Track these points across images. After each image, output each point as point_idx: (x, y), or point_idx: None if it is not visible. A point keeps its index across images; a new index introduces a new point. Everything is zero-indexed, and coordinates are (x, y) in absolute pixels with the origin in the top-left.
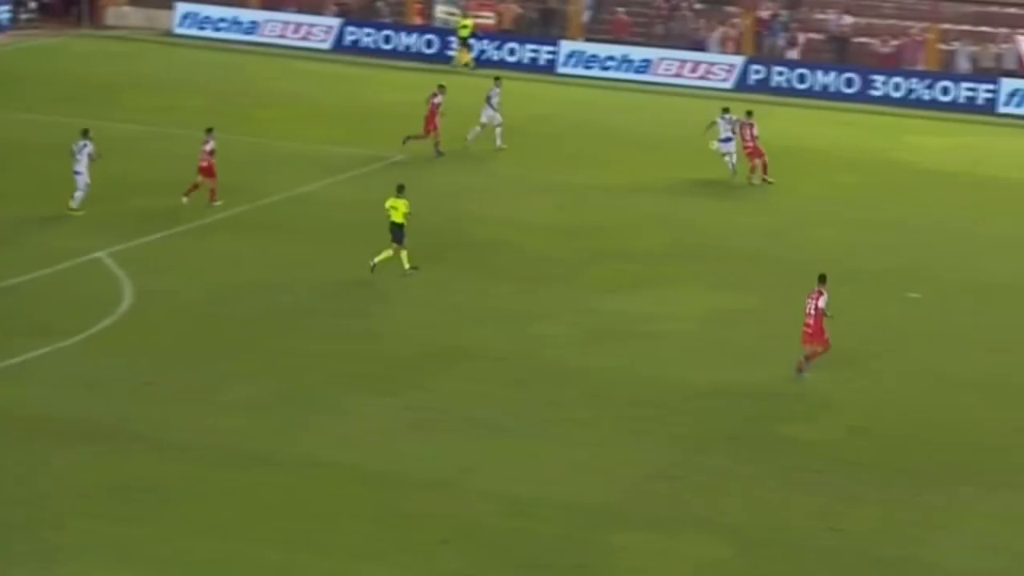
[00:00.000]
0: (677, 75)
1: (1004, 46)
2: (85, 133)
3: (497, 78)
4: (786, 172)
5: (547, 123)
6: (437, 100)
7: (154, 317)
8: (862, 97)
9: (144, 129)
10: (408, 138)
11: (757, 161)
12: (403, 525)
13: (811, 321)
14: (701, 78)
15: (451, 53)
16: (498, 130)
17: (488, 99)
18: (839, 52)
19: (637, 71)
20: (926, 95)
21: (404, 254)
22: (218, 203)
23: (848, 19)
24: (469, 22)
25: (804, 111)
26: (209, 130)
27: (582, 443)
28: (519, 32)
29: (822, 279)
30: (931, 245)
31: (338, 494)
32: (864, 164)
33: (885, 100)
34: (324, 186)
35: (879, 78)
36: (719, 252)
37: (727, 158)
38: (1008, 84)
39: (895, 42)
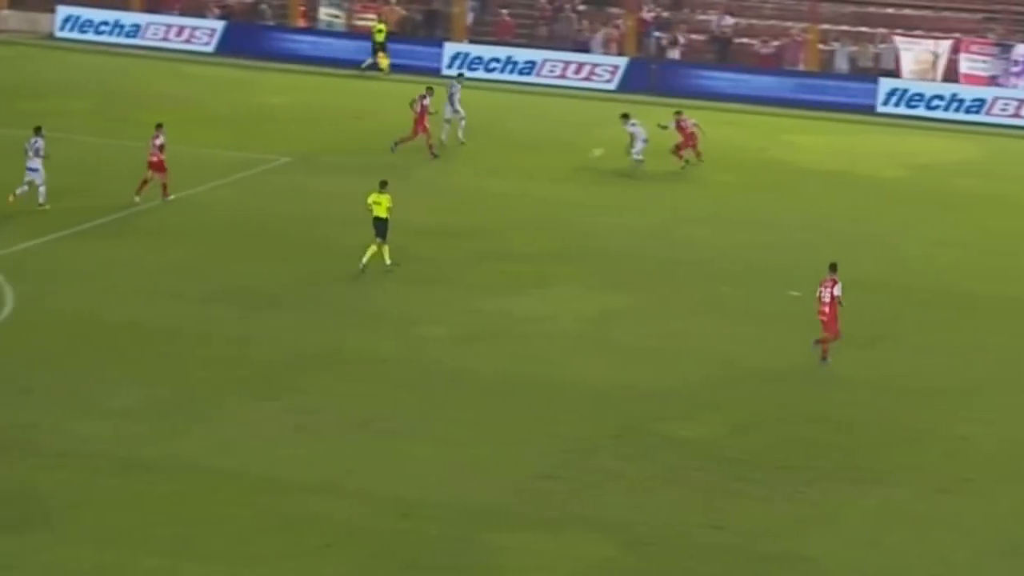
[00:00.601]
0: (561, 76)
1: (882, 46)
2: (38, 131)
3: (460, 75)
4: (665, 172)
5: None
6: (426, 102)
7: (34, 323)
8: (743, 97)
9: (28, 134)
10: (397, 142)
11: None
12: (286, 530)
13: (826, 309)
14: (585, 79)
15: (365, 58)
16: (462, 123)
17: (450, 96)
18: (721, 53)
19: (521, 73)
20: (806, 95)
21: (386, 249)
22: (171, 198)
23: (729, 20)
24: (383, 26)
25: (686, 111)
26: (159, 125)
27: (466, 444)
28: (403, 34)
29: (833, 267)
30: (810, 244)
31: (220, 500)
32: (744, 163)
33: (766, 100)
34: (209, 189)
35: (760, 78)
36: (601, 252)
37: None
38: (886, 84)
39: (776, 43)
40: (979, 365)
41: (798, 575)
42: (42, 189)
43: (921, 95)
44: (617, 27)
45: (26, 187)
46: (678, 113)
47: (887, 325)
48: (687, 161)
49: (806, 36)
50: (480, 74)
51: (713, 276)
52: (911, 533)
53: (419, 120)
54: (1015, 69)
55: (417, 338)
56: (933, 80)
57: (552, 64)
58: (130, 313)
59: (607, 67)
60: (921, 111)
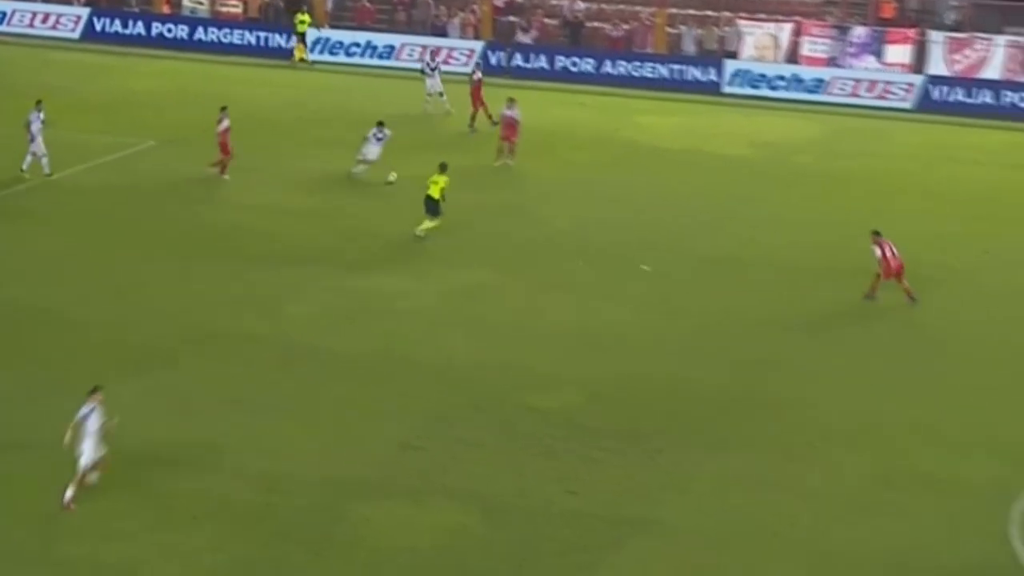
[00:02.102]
0: (420, 60)
1: (727, 29)
2: (38, 104)
3: (434, 52)
4: (523, 152)
5: (295, 109)
6: (477, 76)
7: None
8: (595, 79)
9: None
10: (472, 122)
11: (506, 144)
12: (155, 504)
13: (898, 260)
14: (443, 63)
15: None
16: (443, 97)
17: (430, 68)
18: (573, 36)
19: (381, 57)
20: (655, 77)
21: (429, 223)
22: (226, 177)
23: (581, 5)
24: (307, 17)
25: (540, 93)
26: (223, 108)
27: (332, 419)
28: (265, 21)
29: (877, 232)
30: (661, 220)
31: None
32: (597, 143)
33: (617, 82)
34: (79, 172)
35: (611, 61)
36: (461, 230)
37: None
38: (731, 65)
39: (626, 26)
40: (825, 338)
41: (650, 538)
42: (44, 161)
43: (764, 76)
44: (473, 12)
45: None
46: (510, 100)
47: (735, 299)
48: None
49: (654, 20)
50: (341, 58)
51: (568, 252)
52: (757, 496)
53: (475, 94)
54: (851, 50)
55: (285, 317)
56: (775, 62)
57: (411, 48)
58: (1, 298)
59: (464, 51)
60: (764, 91)
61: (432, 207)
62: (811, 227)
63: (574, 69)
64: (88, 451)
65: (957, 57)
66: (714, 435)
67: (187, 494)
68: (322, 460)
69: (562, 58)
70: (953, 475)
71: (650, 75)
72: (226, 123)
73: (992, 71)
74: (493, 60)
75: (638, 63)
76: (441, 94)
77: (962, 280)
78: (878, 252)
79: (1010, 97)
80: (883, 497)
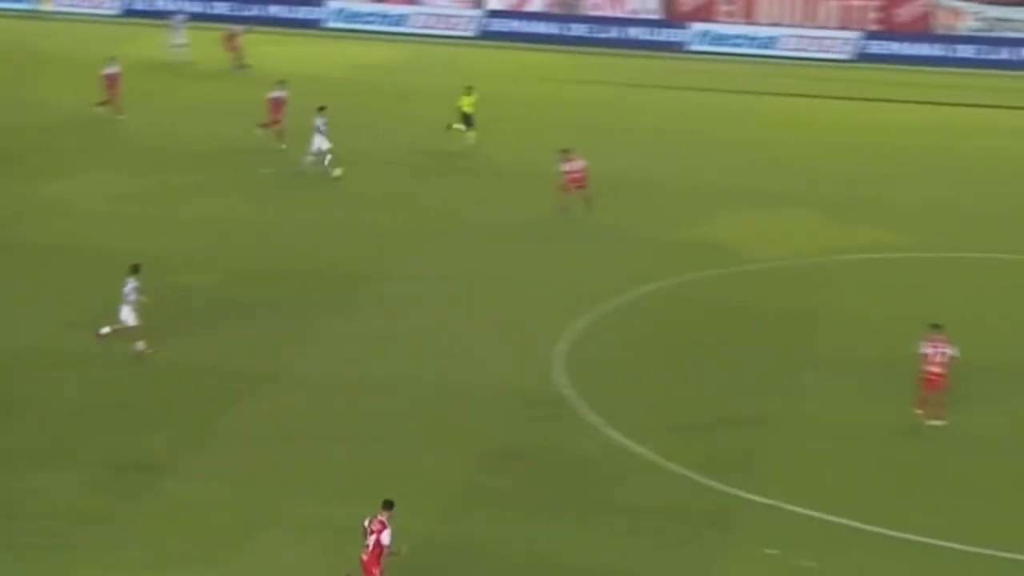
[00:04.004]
0: (74, 4)
1: None
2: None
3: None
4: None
5: None
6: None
7: None
8: (234, 19)
9: None
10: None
11: None
12: None
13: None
14: (94, 7)
15: None
16: None
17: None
18: None
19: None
20: (268, 14)
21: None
22: (283, 147)
23: None
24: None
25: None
26: (281, 82)
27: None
28: None
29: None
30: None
31: None
32: (221, 75)
33: (233, 20)
34: None
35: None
36: (129, 145)
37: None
38: (333, 5)
39: None
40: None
41: (279, 388)
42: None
43: (358, 12)
44: None
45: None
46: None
47: (352, 196)
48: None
49: None
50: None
51: (200, 159)
52: (366, 349)
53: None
54: None
55: None
56: (369, 1)
57: None
58: None
59: None
60: (359, 25)
61: (467, 120)
62: (396, 131)
63: (206, 9)
64: (125, 315)
65: None
66: (335, 301)
67: None
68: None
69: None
70: (516, 319)
71: (259, 13)
72: (280, 93)
73: (536, 5)
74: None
75: (247, 4)
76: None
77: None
78: (567, 166)
79: (556, 27)
80: (450, 344)
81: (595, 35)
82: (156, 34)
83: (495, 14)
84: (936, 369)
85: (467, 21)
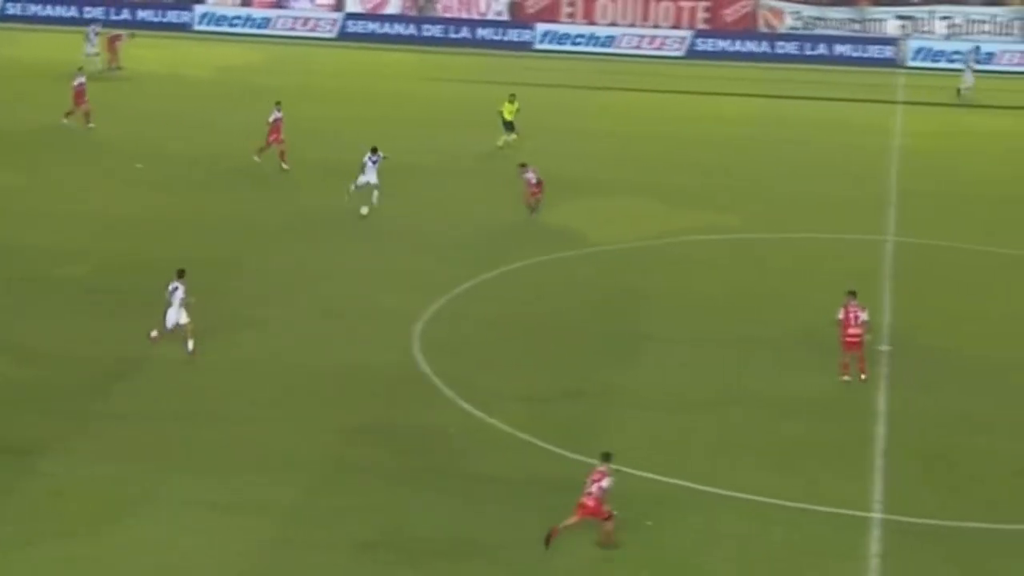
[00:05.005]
0: None
1: None
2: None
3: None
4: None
5: None
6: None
7: None
8: (109, 23)
9: None
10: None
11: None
12: None
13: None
14: None
15: None
16: None
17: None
18: None
19: None
20: (138, 18)
21: (511, 137)
22: (285, 167)
23: None
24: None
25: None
26: (278, 103)
27: None
28: None
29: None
30: (152, 127)
31: None
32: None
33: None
34: None
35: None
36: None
37: None
38: (200, 9)
39: None
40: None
41: (152, 371)
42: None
43: (225, 16)
44: None
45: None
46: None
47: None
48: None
49: None
50: None
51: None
52: None
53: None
54: None
55: None
56: (233, 5)
57: None
58: None
59: None
60: (226, 28)
61: (508, 126)
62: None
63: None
64: (171, 315)
65: None
66: (201, 290)
67: None
68: None
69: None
70: (373, 305)
71: (129, 18)
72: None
73: (393, 7)
74: None
75: (121, 8)
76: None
77: None
78: (531, 177)
79: (411, 28)
80: (312, 328)
81: (447, 36)
82: (30, 38)
83: (354, 16)
84: (853, 331)
85: (329, 23)
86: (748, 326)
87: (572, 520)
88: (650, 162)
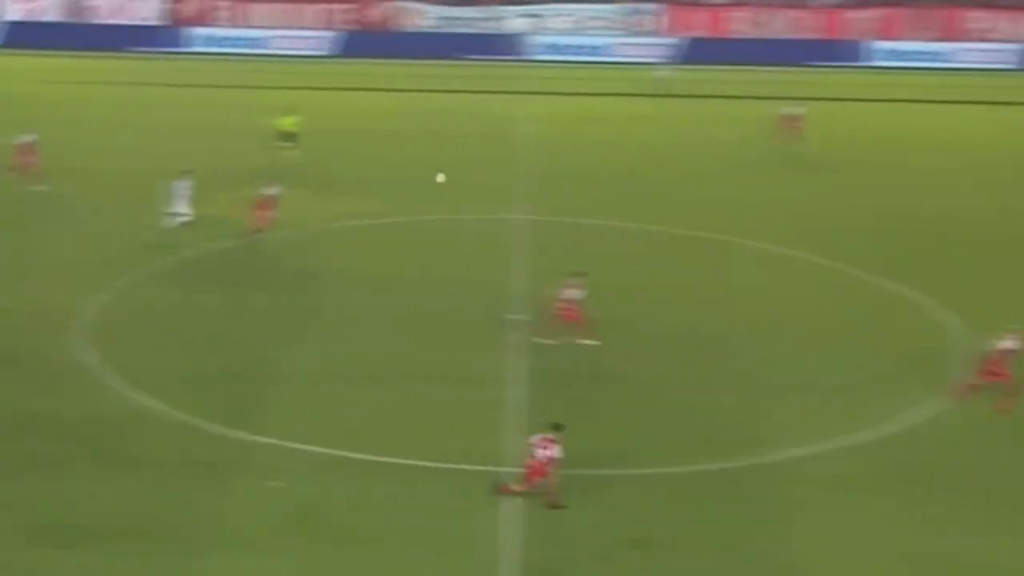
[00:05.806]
0: None
1: None
2: None
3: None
4: None
5: None
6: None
7: None
8: None
9: None
10: None
11: None
12: None
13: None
14: None
15: None
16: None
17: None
18: None
19: None
20: None
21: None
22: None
23: None
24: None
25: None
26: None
27: None
28: None
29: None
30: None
31: None
32: None
33: None
34: None
35: None
36: None
37: None
38: None
39: None
40: None
41: None
42: None
43: None
44: None
45: None
46: None
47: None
48: None
49: None
50: None
51: None
52: None
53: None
54: None
55: None
56: None
57: None
58: None
59: None
60: None
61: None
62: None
63: None
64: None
65: (17, 6)
66: None
67: None
68: None
69: None
70: (32, 298)
71: None
72: None
73: (51, 15)
74: None
75: None
76: None
77: None
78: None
79: (70, 34)
80: None
81: (106, 41)
82: None
83: (16, 24)
84: (566, 306)
85: None
86: (407, 302)
87: (521, 487)
88: (309, 154)
